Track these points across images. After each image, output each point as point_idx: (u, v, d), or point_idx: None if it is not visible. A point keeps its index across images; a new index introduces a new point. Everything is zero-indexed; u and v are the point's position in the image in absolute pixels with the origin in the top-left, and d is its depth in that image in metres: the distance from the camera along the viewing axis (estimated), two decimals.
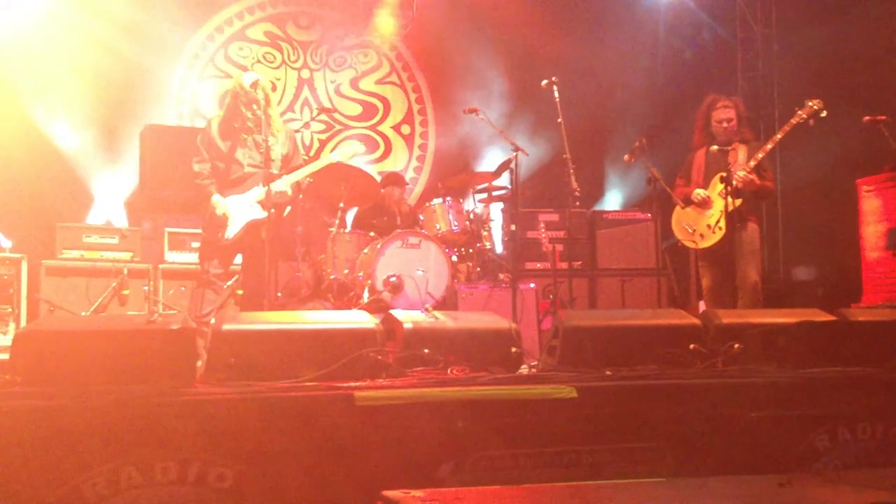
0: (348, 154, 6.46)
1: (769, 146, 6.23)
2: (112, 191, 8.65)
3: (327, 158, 6.27)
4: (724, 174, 6.09)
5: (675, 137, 6.76)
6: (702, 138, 6.54)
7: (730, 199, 6.04)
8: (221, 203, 5.81)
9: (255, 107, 5.84)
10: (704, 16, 10.34)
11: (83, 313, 6.73)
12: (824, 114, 6.13)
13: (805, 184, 9.28)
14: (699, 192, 6.34)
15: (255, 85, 5.84)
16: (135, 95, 8.86)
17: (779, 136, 6.24)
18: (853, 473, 3.40)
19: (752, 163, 6.16)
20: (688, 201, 6.41)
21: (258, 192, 5.82)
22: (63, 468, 3.02)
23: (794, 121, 6.20)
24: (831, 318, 4.59)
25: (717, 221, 6.22)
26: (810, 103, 6.17)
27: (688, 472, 3.62)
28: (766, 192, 6.46)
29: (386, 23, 9.83)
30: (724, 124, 6.41)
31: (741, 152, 6.31)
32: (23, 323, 6.44)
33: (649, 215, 8.28)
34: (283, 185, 5.86)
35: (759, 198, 6.59)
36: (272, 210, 5.58)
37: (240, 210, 5.84)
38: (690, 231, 6.40)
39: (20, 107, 8.23)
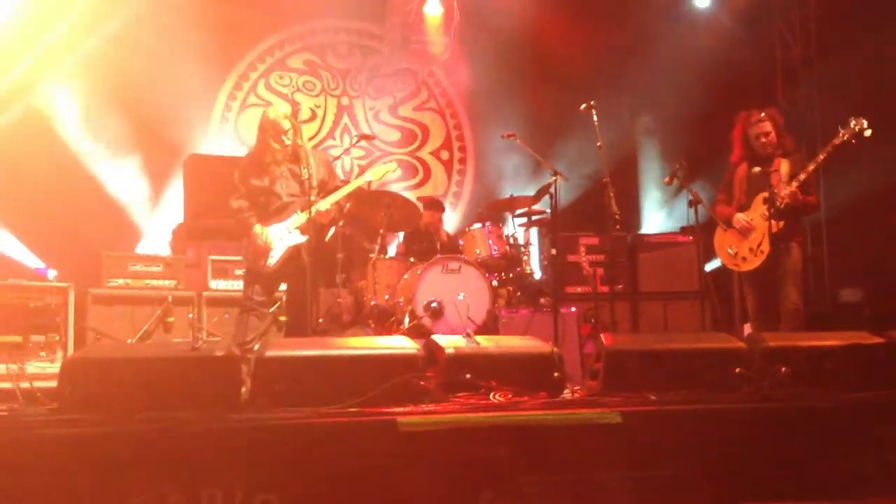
0: (381, 173, 6.51)
1: (812, 167, 6.13)
2: (156, 219, 8.79)
3: (361, 178, 6.32)
4: (767, 195, 6.03)
5: (714, 159, 6.69)
6: (741, 153, 6.45)
7: (769, 220, 5.98)
8: (263, 232, 5.87)
9: (283, 138, 5.90)
10: (743, 37, 10.28)
11: (129, 341, 6.80)
12: (868, 133, 6.04)
13: (850, 204, 9.14)
14: (741, 218, 6.24)
15: (284, 116, 5.91)
16: (178, 125, 9.00)
17: (822, 156, 6.15)
18: None
19: (795, 183, 6.07)
20: (729, 224, 6.33)
21: (297, 218, 5.88)
22: (110, 494, 3.05)
23: (836, 141, 6.12)
24: (879, 340, 4.50)
25: (760, 244, 6.13)
26: (853, 123, 6.08)
27: (734, 499, 3.57)
28: (810, 208, 6.35)
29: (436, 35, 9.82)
30: (763, 139, 6.32)
31: (783, 166, 6.21)
32: (70, 351, 6.52)
33: (691, 238, 8.21)
34: (324, 205, 5.90)
35: (803, 214, 6.48)
36: (311, 234, 5.64)
37: (280, 238, 5.89)
38: (733, 254, 6.32)
39: (65, 139, 8.41)
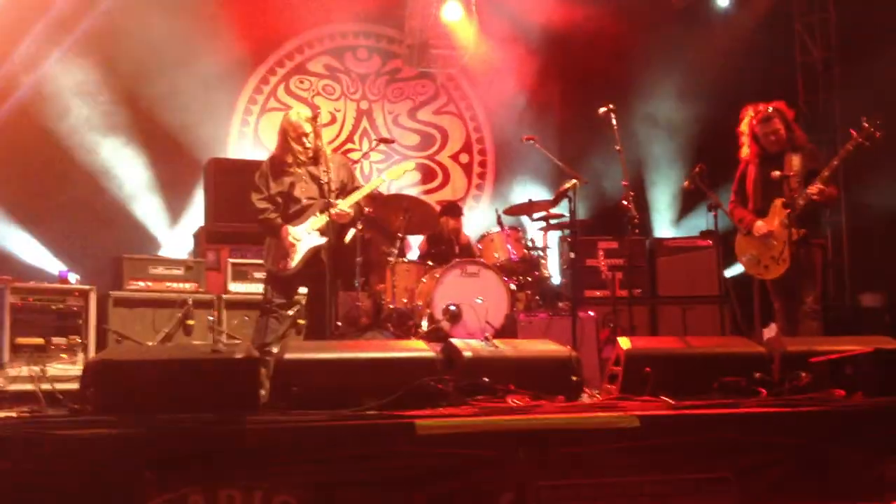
0: (398, 172, 6.57)
1: (827, 173, 6.03)
2: (177, 223, 8.86)
3: (378, 179, 6.35)
4: (785, 200, 5.99)
5: (734, 162, 6.66)
6: (751, 150, 6.36)
7: (789, 227, 5.96)
8: (294, 233, 5.91)
9: (305, 140, 5.94)
10: (763, 40, 10.23)
11: (149, 343, 6.86)
12: (879, 135, 5.96)
13: (872, 209, 9.08)
14: (761, 227, 6.19)
15: (305, 119, 5.95)
16: (199, 129, 9.05)
17: (836, 161, 6.05)
18: None
19: (814, 189, 6.00)
20: (749, 231, 6.27)
21: (316, 220, 5.92)
22: (130, 496, 3.08)
23: (849, 146, 6.03)
24: None
25: (782, 252, 6.06)
26: (865, 124, 6.03)
27: (755, 503, 3.55)
28: (830, 200, 6.25)
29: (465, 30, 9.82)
30: (772, 137, 6.24)
31: (794, 162, 6.13)
32: (91, 353, 6.58)
33: (710, 242, 8.18)
34: (344, 205, 5.94)
35: (824, 207, 6.38)
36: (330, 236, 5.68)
37: (300, 240, 5.93)
38: (756, 261, 6.26)
39: (86, 143, 8.49)
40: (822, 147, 9.28)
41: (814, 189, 5.97)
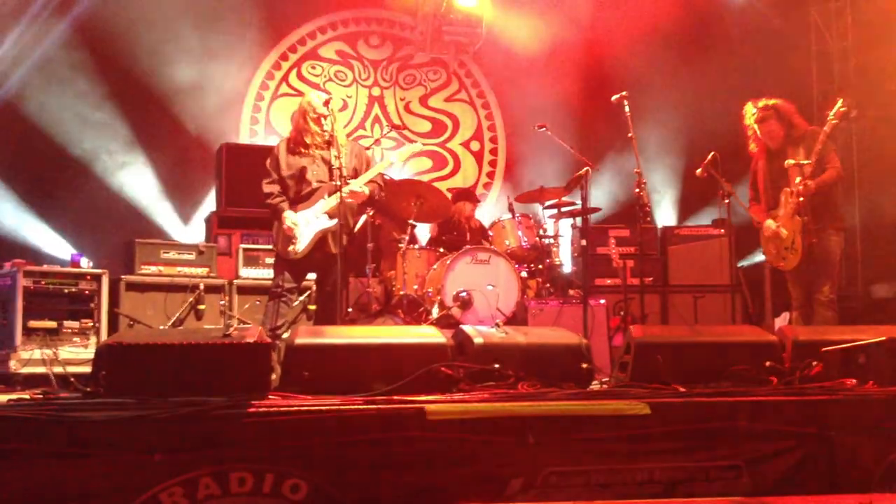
0: (406, 154, 6.59)
1: (813, 159, 5.99)
2: (189, 208, 8.88)
3: (386, 161, 6.34)
4: (791, 189, 5.99)
5: (747, 151, 6.63)
6: (755, 146, 6.40)
7: (798, 216, 5.98)
8: (292, 217, 5.91)
9: (323, 122, 5.95)
10: (778, 27, 10.16)
11: (161, 327, 6.89)
12: (853, 114, 5.90)
13: (885, 199, 9.03)
14: (769, 226, 6.21)
15: (324, 103, 5.96)
16: (211, 114, 9.08)
17: (818, 146, 5.98)
18: None
19: (801, 186, 5.98)
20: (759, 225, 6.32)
21: (324, 202, 5.92)
22: (142, 478, 3.09)
23: (828, 129, 5.98)
24: None
25: (794, 242, 6.08)
26: (840, 104, 5.96)
27: (764, 492, 3.55)
28: (828, 184, 6.15)
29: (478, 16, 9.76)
30: (769, 136, 6.26)
31: (799, 155, 6.10)
32: (103, 337, 6.61)
33: (722, 231, 8.16)
34: (356, 185, 5.94)
35: (832, 191, 6.34)
36: (340, 219, 5.70)
37: (308, 224, 5.93)
38: (775, 254, 6.27)
39: (98, 129, 8.51)
40: (837, 136, 9.25)
41: (800, 185, 5.96)
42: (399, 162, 6.68)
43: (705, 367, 4.25)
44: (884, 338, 4.25)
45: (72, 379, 4.05)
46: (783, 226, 6.12)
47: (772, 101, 6.30)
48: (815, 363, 4.20)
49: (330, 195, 5.88)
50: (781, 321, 7.01)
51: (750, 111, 6.36)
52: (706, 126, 9.69)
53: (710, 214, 9.42)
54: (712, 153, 6.40)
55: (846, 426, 3.71)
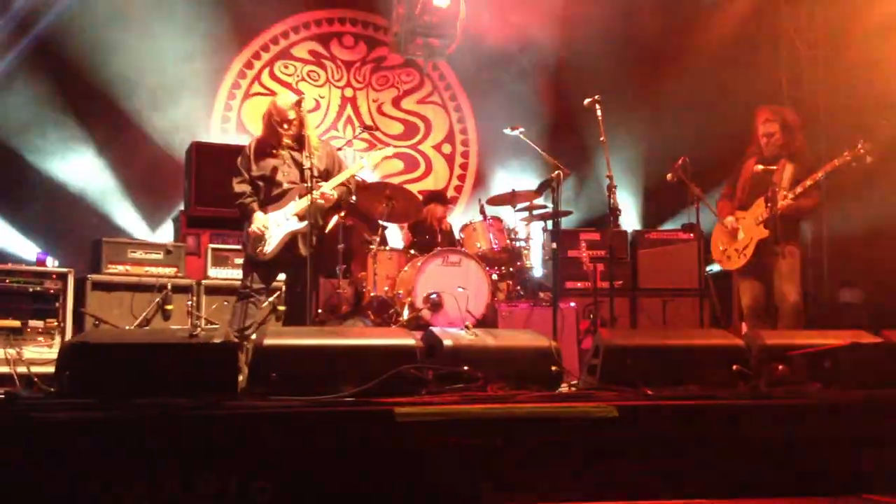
0: (377, 157, 6.57)
1: (809, 182, 6.04)
2: (157, 207, 8.80)
3: (358, 164, 6.32)
4: (768, 195, 6.03)
5: (717, 156, 6.67)
6: (752, 148, 6.43)
7: (762, 227, 6.05)
8: (262, 219, 5.87)
9: (285, 126, 5.91)
10: (749, 34, 10.24)
11: (127, 327, 6.82)
12: (869, 160, 5.95)
13: (852, 205, 9.12)
14: (729, 222, 6.27)
15: (290, 106, 5.92)
16: (181, 113, 9.00)
17: (820, 174, 6.00)
18: None
19: (791, 195, 6.04)
20: (722, 220, 6.37)
21: (295, 204, 5.89)
22: (106, 480, 3.05)
23: (837, 162, 5.99)
24: (877, 339, 4.51)
25: (746, 247, 6.17)
26: (860, 146, 5.95)
27: (731, 495, 3.57)
28: (806, 211, 6.30)
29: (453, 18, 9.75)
30: (766, 139, 6.29)
31: (787, 170, 6.17)
32: (69, 336, 6.53)
33: (692, 235, 8.21)
34: (327, 188, 5.91)
35: (802, 218, 6.45)
36: (310, 221, 5.67)
37: (278, 225, 5.89)
38: (722, 250, 6.37)
39: (67, 126, 8.42)
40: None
41: (787, 199, 6.01)
42: (370, 166, 6.65)
43: (673, 370, 4.27)
44: (849, 342, 4.30)
45: (36, 379, 4.00)
46: (744, 228, 6.19)
47: (782, 108, 6.39)
48: (780, 367, 4.23)
49: (301, 197, 5.86)
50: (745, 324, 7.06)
51: (758, 111, 6.40)
52: (678, 131, 9.76)
53: (681, 219, 9.47)
54: (682, 158, 6.44)
55: (812, 430, 3.74)
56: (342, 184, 6.09)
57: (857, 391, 4.04)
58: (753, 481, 3.63)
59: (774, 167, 6.20)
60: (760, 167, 6.24)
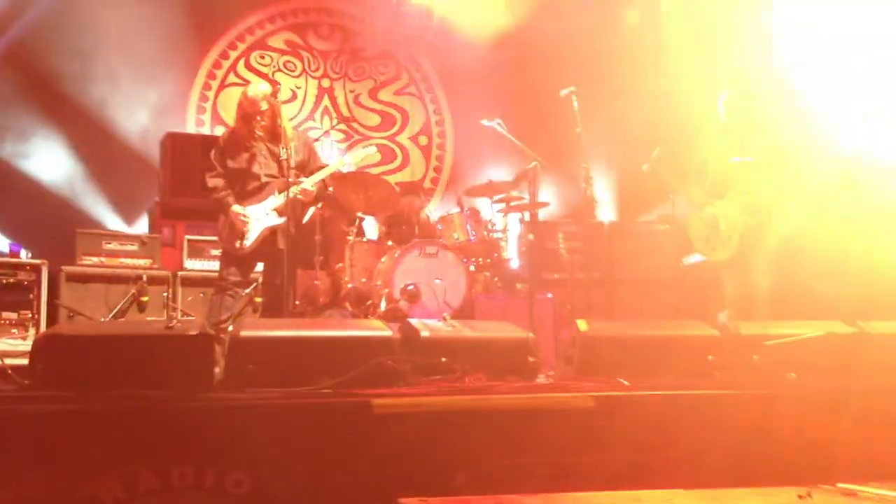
0: (360, 157, 6.55)
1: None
2: (132, 198, 8.72)
3: (340, 161, 6.30)
4: (744, 188, 6.06)
5: (692, 146, 6.68)
6: (720, 131, 6.43)
7: (744, 216, 6.04)
8: (240, 212, 5.84)
9: (258, 118, 5.86)
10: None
11: (102, 319, 6.77)
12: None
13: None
14: (709, 212, 6.28)
15: (262, 96, 5.87)
16: (155, 104, 8.93)
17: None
18: (873, 487, 3.37)
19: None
20: (701, 210, 6.36)
21: (274, 199, 5.86)
22: (81, 472, 3.03)
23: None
24: (852, 330, 4.55)
25: (729, 238, 6.16)
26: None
27: (706, 484, 3.59)
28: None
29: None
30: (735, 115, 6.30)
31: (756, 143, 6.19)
32: (43, 328, 6.48)
33: (669, 226, 8.24)
34: (308, 184, 5.88)
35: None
36: (288, 216, 5.64)
37: (256, 219, 5.87)
38: (705, 241, 6.35)
39: (40, 116, 8.32)
40: None
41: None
42: (353, 165, 6.65)
43: (649, 360, 4.29)
44: (824, 333, 4.34)
45: (9, 371, 3.96)
46: (724, 218, 6.17)
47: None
48: (755, 357, 4.26)
49: (280, 192, 5.81)
50: (724, 316, 7.10)
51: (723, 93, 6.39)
52: (655, 121, 9.77)
53: (658, 210, 9.50)
54: (658, 149, 6.46)
55: (786, 419, 3.77)
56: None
57: (831, 381, 4.07)
58: (729, 471, 3.65)
59: (750, 159, 6.21)
60: (738, 160, 6.22)
